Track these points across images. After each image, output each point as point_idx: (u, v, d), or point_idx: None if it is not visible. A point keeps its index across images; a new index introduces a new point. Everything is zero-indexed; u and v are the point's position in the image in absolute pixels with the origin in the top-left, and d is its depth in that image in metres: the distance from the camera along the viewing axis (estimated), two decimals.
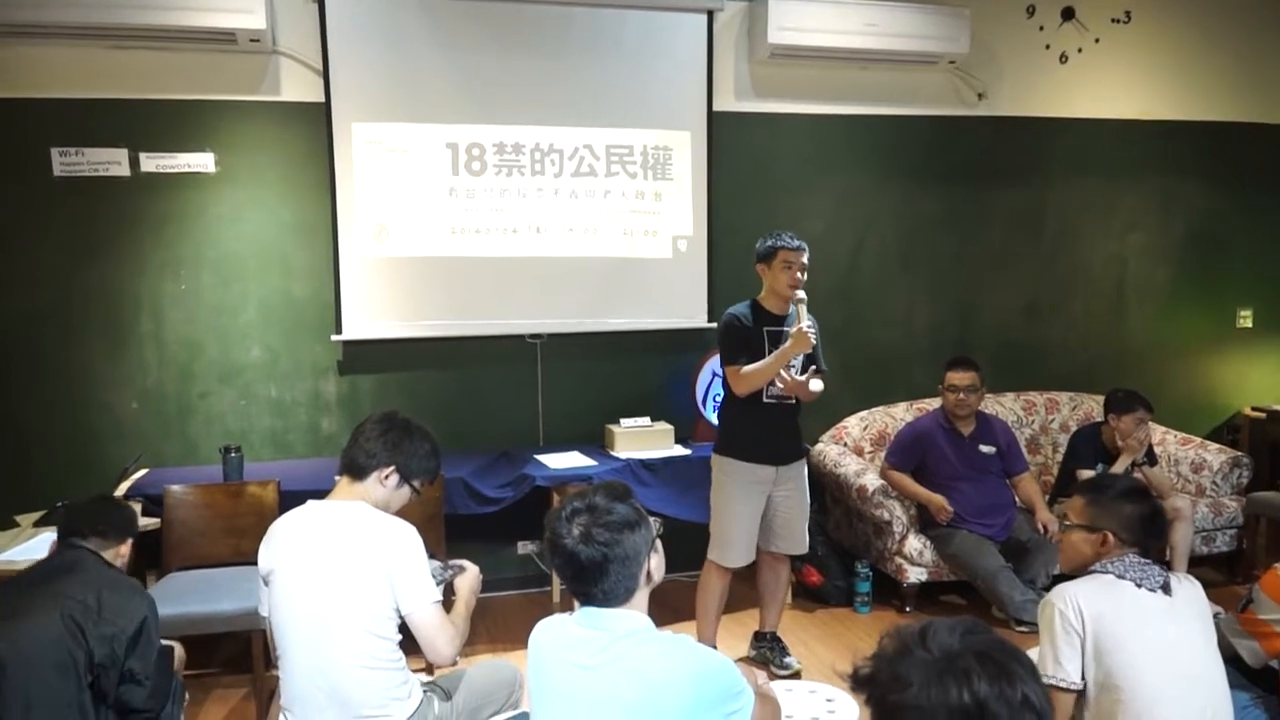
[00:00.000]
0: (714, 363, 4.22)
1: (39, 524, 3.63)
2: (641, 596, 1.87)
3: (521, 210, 4.50)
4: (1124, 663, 2.08)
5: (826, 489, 4.76)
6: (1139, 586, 2.15)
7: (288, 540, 2.33)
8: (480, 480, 4.07)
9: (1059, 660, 2.13)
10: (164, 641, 2.52)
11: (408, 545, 2.29)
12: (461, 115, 4.40)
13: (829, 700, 3.28)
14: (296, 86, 4.28)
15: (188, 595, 3.36)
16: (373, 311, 4.38)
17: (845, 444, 4.79)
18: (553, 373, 4.68)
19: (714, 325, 3.89)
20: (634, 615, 1.84)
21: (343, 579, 2.24)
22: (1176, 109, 5.41)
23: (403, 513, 2.43)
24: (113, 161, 4.12)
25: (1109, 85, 5.30)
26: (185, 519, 3.70)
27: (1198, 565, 4.53)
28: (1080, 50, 5.22)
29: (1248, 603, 2.53)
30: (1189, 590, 2.22)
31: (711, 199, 4.73)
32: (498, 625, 4.25)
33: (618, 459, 4.30)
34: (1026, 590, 4.01)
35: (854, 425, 4.86)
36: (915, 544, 4.27)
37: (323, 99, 4.25)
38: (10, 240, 4.07)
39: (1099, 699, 2.12)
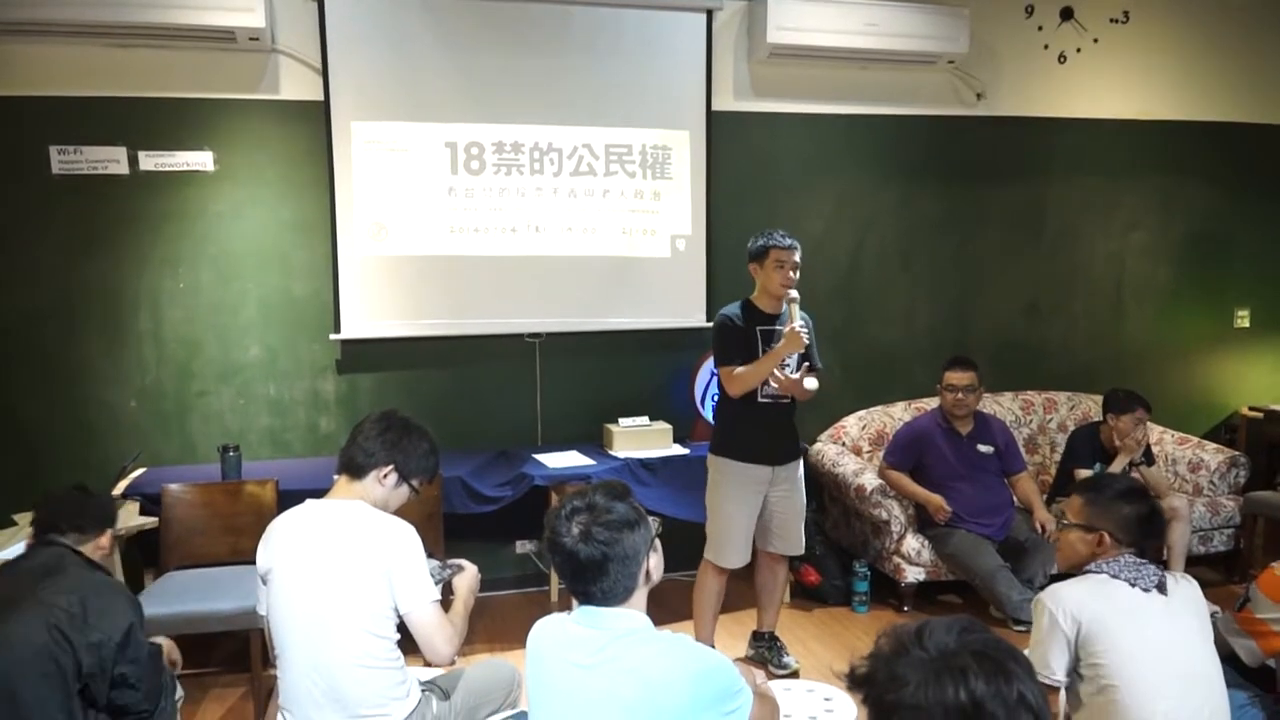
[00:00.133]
0: (712, 362, 4.22)
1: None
2: (640, 596, 1.87)
3: (520, 209, 4.50)
4: (1119, 662, 2.08)
5: (825, 488, 4.77)
6: (1133, 586, 2.16)
7: (286, 539, 2.33)
8: (479, 479, 4.08)
9: (1046, 659, 2.16)
10: (152, 640, 2.49)
11: (406, 544, 2.29)
12: (460, 114, 4.40)
13: (827, 699, 3.28)
14: (295, 85, 4.28)
15: (186, 594, 3.36)
16: (371, 310, 4.38)
17: (843, 443, 4.79)
18: (551, 372, 4.68)
19: (712, 325, 3.89)
20: (632, 614, 1.85)
21: (341, 578, 2.24)
22: (1175, 109, 5.41)
23: (401, 512, 2.43)
24: (111, 160, 4.11)
25: (1108, 85, 5.30)
26: (183, 518, 3.70)
27: (1195, 564, 4.55)
28: (1079, 50, 5.23)
29: (1245, 602, 2.54)
30: (1185, 589, 2.23)
31: (710, 198, 4.73)
32: (496, 624, 4.25)
33: (616, 458, 4.30)
34: (1024, 590, 4.01)
35: (852, 424, 4.86)
36: (913, 543, 4.28)
37: (322, 98, 4.25)
38: (9, 239, 4.07)
39: (1096, 698, 2.12)
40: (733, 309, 3.58)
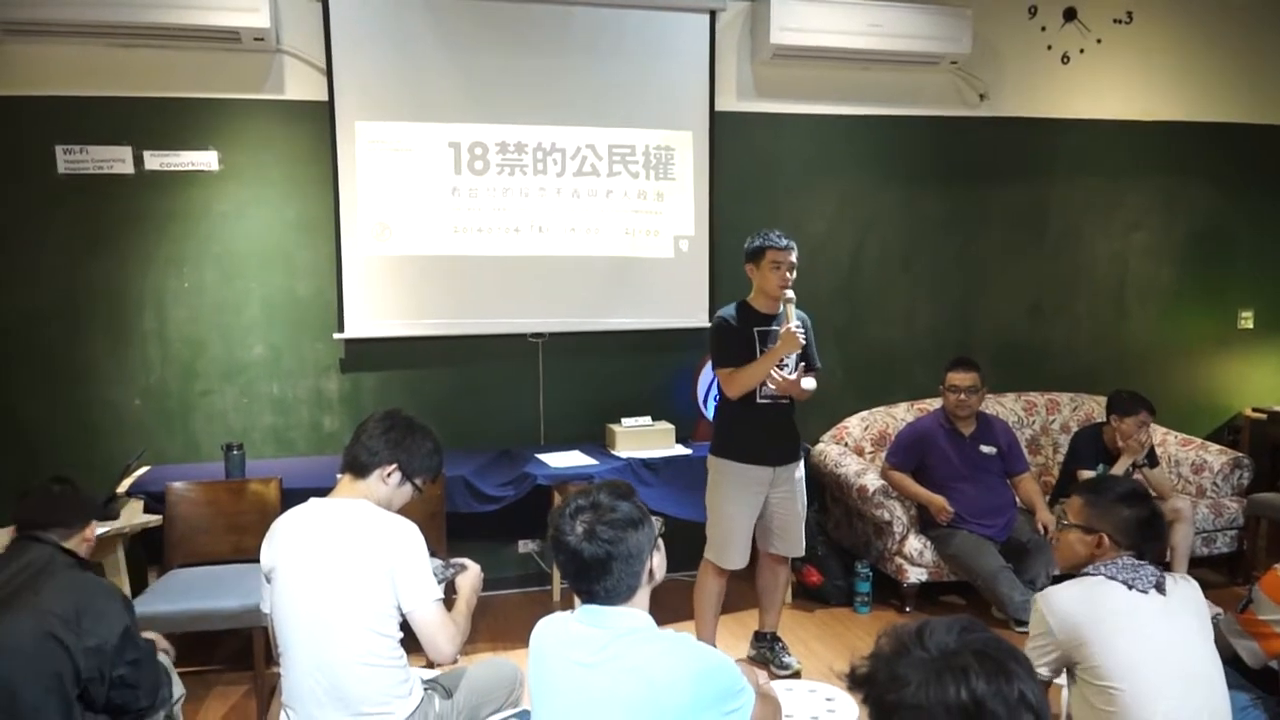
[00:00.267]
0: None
1: None
2: (643, 595, 1.88)
3: (524, 209, 4.51)
4: (1117, 663, 2.09)
5: (827, 489, 4.77)
6: (1130, 588, 2.17)
7: (290, 538, 2.34)
8: (481, 479, 4.08)
9: (1035, 658, 2.19)
10: (144, 635, 2.46)
11: (409, 543, 2.29)
12: (464, 114, 4.40)
13: (829, 699, 3.29)
14: (300, 85, 4.29)
15: (189, 592, 3.37)
16: (375, 310, 4.39)
17: (846, 444, 4.79)
18: (554, 372, 4.69)
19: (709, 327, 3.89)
20: (635, 613, 1.85)
21: (344, 577, 2.25)
22: (1178, 109, 5.41)
23: (404, 511, 2.44)
24: (117, 159, 4.13)
25: (1111, 86, 5.30)
26: (187, 516, 3.71)
27: (1198, 566, 4.54)
28: (1082, 51, 5.22)
29: (1247, 603, 2.54)
30: (1184, 589, 2.23)
31: (713, 199, 4.74)
32: (498, 623, 4.26)
33: (619, 458, 4.30)
34: (1026, 591, 4.01)
35: (855, 425, 4.87)
36: (915, 544, 4.28)
37: (326, 98, 4.26)
38: (14, 238, 4.09)
39: (1096, 699, 2.13)
40: (729, 310, 3.58)
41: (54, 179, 4.08)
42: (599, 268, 4.62)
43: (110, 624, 2.22)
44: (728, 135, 4.76)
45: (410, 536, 2.30)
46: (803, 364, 3.55)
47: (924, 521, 4.32)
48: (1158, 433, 4.86)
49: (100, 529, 3.40)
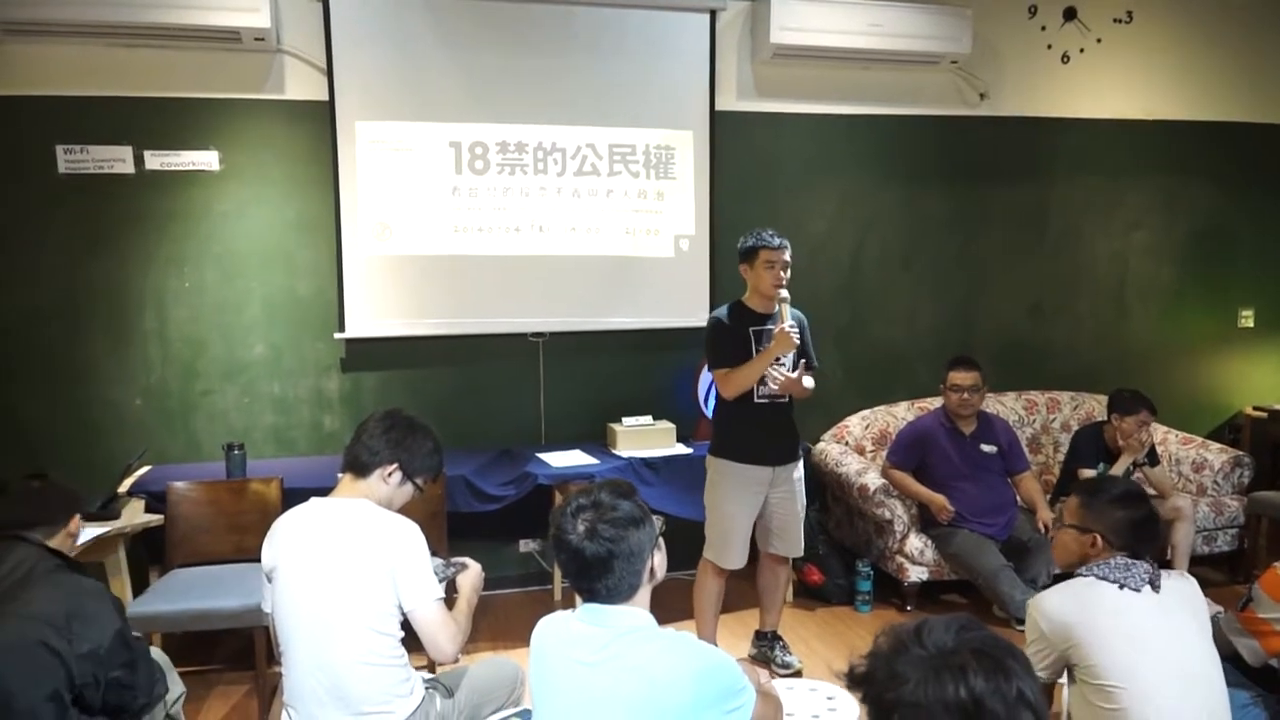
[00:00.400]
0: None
1: None
2: (644, 594, 1.88)
3: (524, 209, 4.51)
4: (1114, 661, 2.10)
5: (828, 488, 4.77)
6: (1122, 587, 2.19)
7: (291, 537, 2.34)
8: (482, 478, 4.08)
9: (1031, 665, 2.19)
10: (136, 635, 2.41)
11: (410, 542, 2.30)
12: (464, 114, 4.40)
13: (829, 698, 3.28)
14: (300, 85, 4.29)
15: (190, 591, 3.37)
16: (375, 309, 4.39)
17: (847, 443, 4.80)
18: (555, 371, 4.69)
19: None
20: (636, 612, 1.85)
21: (345, 576, 2.25)
22: (1178, 109, 5.41)
23: (405, 510, 2.44)
24: (117, 159, 4.13)
25: (1111, 85, 5.30)
26: (188, 516, 3.71)
27: (1199, 564, 4.54)
28: (1082, 50, 5.22)
29: (1247, 601, 2.54)
30: (1179, 585, 2.25)
31: (714, 198, 4.74)
32: (499, 623, 4.26)
33: (619, 457, 4.31)
34: (1027, 590, 4.00)
35: (855, 424, 4.87)
36: (916, 543, 4.28)
37: (326, 97, 4.26)
38: (15, 237, 4.09)
39: (1095, 698, 2.13)
40: (723, 311, 3.58)
41: (54, 179, 4.08)
42: (599, 267, 4.62)
43: (102, 628, 2.18)
44: (728, 135, 4.76)
45: (411, 536, 2.31)
46: (803, 361, 3.56)
47: (925, 520, 4.32)
48: (1158, 431, 4.86)
49: (101, 529, 3.43)
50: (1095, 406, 5.07)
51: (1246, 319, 5.67)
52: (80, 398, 4.19)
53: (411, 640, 2.31)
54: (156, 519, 3.67)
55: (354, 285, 4.35)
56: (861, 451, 4.76)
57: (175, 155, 4.18)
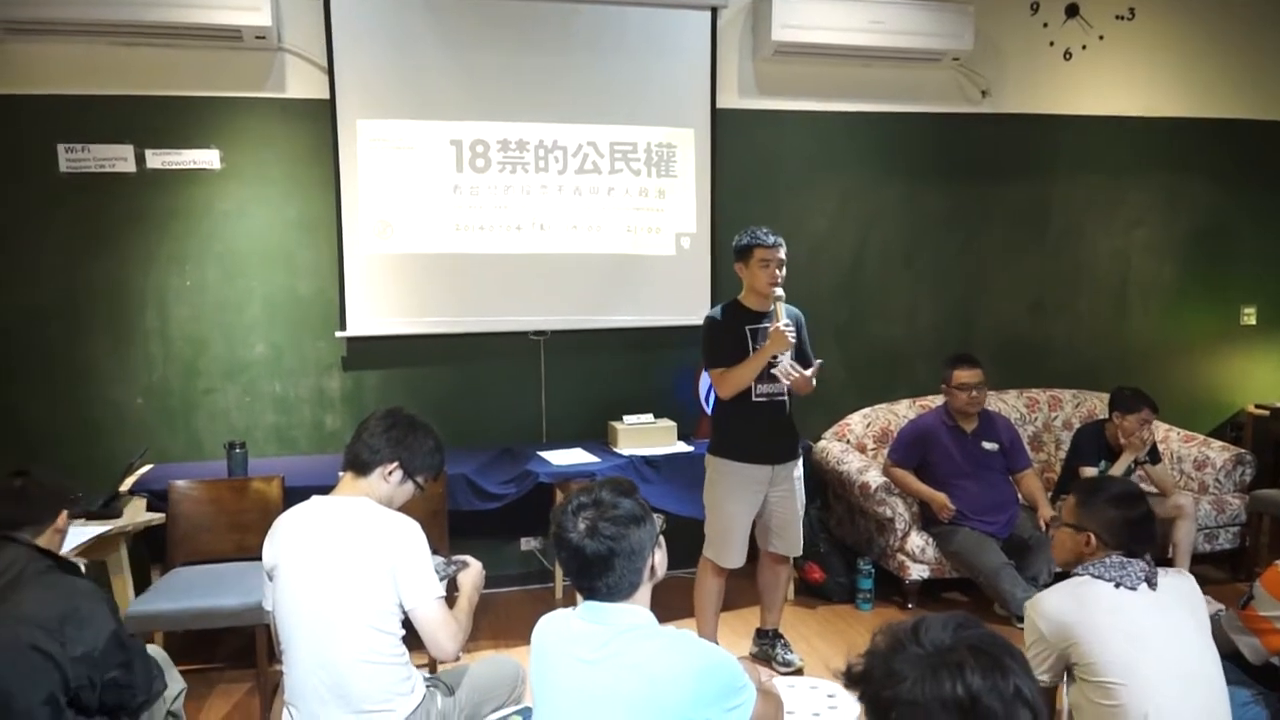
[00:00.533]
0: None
1: None
2: (644, 592, 1.88)
3: (525, 207, 4.51)
4: (1112, 659, 2.11)
5: (829, 486, 4.77)
6: (1118, 585, 2.19)
7: (292, 535, 2.34)
8: (483, 477, 4.09)
9: (1032, 667, 2.20)
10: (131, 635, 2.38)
11: (411, 541, 2.30)
12: (466, 112, 4.40)
13: (830, 696, 3.28)
14: (301, 83, 4.29)
15: (192, 590, 3.37)
16: (377, 308, 4.39)
17: (848, 441, 4.80)
18: (556, 369, 4.69)
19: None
20: (637, 610, 1.86)
21: (346, 574, 2.25)
22: (1181, 106, 5.40)
23: (406, 508, 2.44)
24: (119, 158, 4.13)
25: (1113, 82, 5.29)
26: (190, 514, 3.72)
27: (1200, 562, 4.55)
28: (1084, 47, 5.21)
29: (1248, 599, 2.54)
30: (1175, 582, 2.27)
31: (715, 196, 4.73)
32: (500, 621, 4.26)
33: (621, 455, 4.30)
34: (1028, 587, 4.01)
35: (857, 422, 4.87)
36: (917, 541, 4.28)
37: (327, 95, 4.26)
38: (16, 236, 4.09)
39: (1095, 695, 2.14)
40: (718, 310, 3.57)
41: (56, 178, 4.08)
42: (600, 265, 4.62)
43: (96, 630, 2.14)
44: (729, 132, 4.76)
45: (411, 534, 2.31)
46: (818, 362, 3.53)
47: (926, 518, 4.32)
48: (1160, 429, 4.86)
49: (102, 527, 3.43)
50: (1097, 404, 5.06)
51: (1248, 316, 5.66)
52: (81, 397, 4.20)
53: (413, 638, 2.32)
54: (158, 518, 3.67)
55: (355, 284, 4.35)
56: (863, 449, 4.76)
57: (176, 154, 4.19)
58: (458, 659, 2.42)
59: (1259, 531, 4.76)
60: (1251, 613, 2.52)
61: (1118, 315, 5.49)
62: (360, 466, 2.40)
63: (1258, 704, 2.48)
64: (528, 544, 4.70)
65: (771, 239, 3.47)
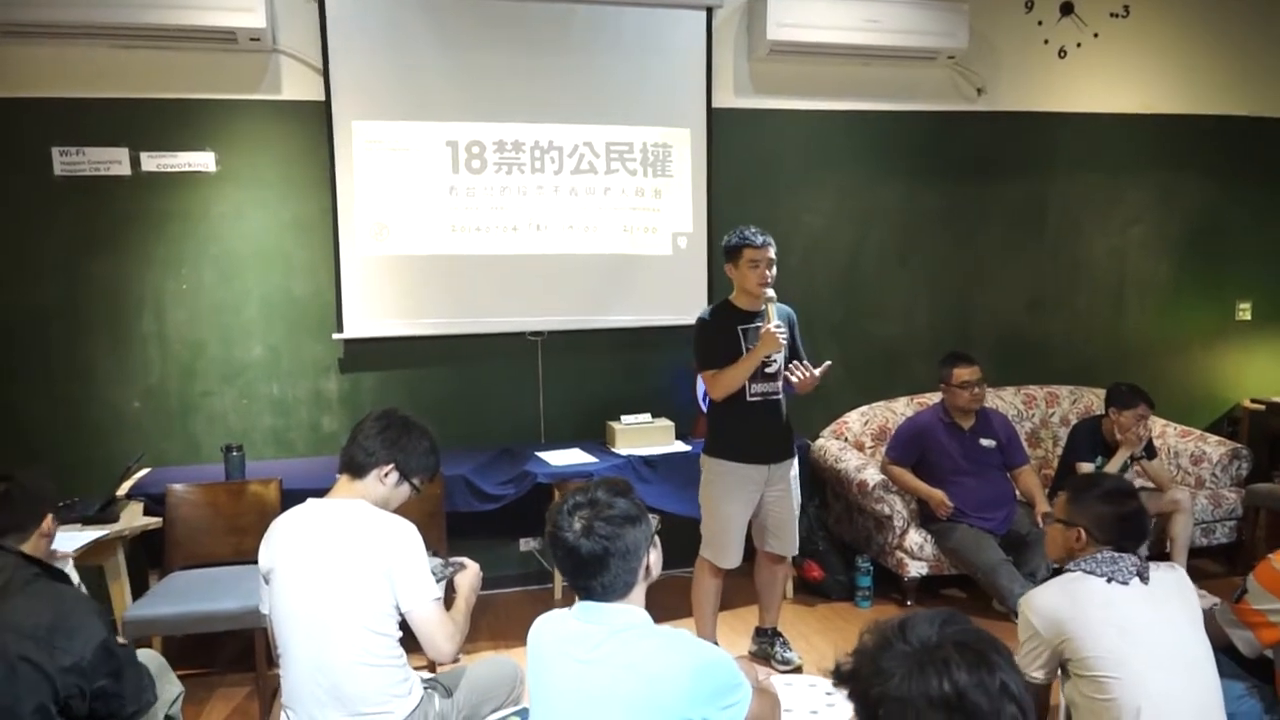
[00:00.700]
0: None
1: None
2: (640, 591, 1.89)
3: (522, 208, 4.51)
4: (1107, 652, 2.12)
5: (827, 484, 4.78)
6: (1110, 580, 2.21)
7: (287, 539, 2.34)
8: (481, 477, 4.09)
9: (1025, 661, 2.25)
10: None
11: (407, 543, 2.30)
12: (461, 113, 4.40)
13: (828, 694, 3.28)
14: (296, 85, 4.29)
15: (190, 594, 3.37)
16: (373, 310, 4.39)
17: (846, 439, 4.80)
18: (553, 370, 4.69)
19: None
20: (632, 610, 1.86)
21: (343, 577, 2.25)
22: (1176, 103, 5.40)
23: (403, 510, 2.44)
24: (114, 161, 4.13)
25: (1108, 80, 5.30)
26: (187, 518, 3.72)
27: (1197, 557, 4.55)
28: (1079, 45, 5.22)
29: (1242, 593, 2.55)
30: (1167, 576, 2.28)
31: (711, 195, 4.73)
32: (499, 622, 4.27)
33: (618, 455, 4.31)
34: (1026, 584, 4.00)
35: (854, 420, 4.87)
36: (916, 538, 4.29)
37: (323, 97, 4.26)
38: (12, 240, 4.09)
39: (1090, 689, 2.15)
40: (708, 311, 3.57)
41: (51, 181, 4.08)
42: (597, 265, 4.62)
43: (85, 639, 2.09)
44: (725, 132, 4.76)
45: (407, 536, 2.31)
46: (828, 363, 3.52)
47: (924, 516, 4.32)
48: (1157, 424, 4.86)
49: (100, 532, 3.43)
50: (1094, 401, 5.07)
51: (1244, 312, 5.67)
52: (79, 400, 4.20)
53: (410, 640, 2.32)
54: (155, 522, 3.67)
55: (352, 285, 4.35)
56: (861, 447, 4.77)
57: (171, 156, 4.19)
58: (456, 660, 2.42)
59: (1255, 526, 4.77)
60: (1245, 606, 2.52)
61: (1114, 312, 5.50)
62: (356, 469, 2.40)
63: (1252, 697, 2.49)
64: (526, 545, 4.71)
65: (760, 239, 3.45)
